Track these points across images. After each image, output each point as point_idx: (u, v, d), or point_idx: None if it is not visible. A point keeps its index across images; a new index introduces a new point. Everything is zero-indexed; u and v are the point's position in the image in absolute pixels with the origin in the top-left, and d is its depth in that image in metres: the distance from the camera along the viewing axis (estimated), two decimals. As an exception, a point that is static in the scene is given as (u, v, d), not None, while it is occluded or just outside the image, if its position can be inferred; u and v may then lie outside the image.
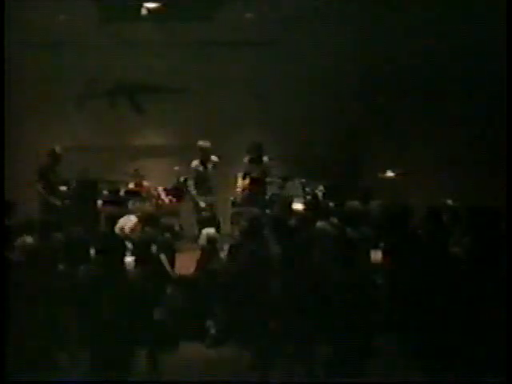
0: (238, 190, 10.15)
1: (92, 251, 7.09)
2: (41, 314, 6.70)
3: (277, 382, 6.73)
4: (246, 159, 10.07)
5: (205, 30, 11.82)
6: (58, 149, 10.01)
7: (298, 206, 10.18)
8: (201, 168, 10.14)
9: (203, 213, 9.85)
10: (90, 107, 12.25)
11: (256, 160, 9.97)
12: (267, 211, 9.47)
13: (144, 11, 11.44)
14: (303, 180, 10.97)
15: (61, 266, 6.98)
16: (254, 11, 11.80)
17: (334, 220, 8.24)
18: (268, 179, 10.15)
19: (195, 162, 10.13)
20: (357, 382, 6.77)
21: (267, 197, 10.23)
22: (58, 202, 9.61)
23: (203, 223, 9.09)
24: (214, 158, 10.20)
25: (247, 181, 9.99)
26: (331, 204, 9.83)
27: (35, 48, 11.68)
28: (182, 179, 10.52)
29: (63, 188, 9.97)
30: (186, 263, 8.49)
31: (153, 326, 7.28)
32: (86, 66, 11.79)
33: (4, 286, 6.55)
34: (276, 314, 7.15)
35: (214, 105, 12.02)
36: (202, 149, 10.09)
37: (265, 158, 10.01)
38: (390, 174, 11.54)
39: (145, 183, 10.65)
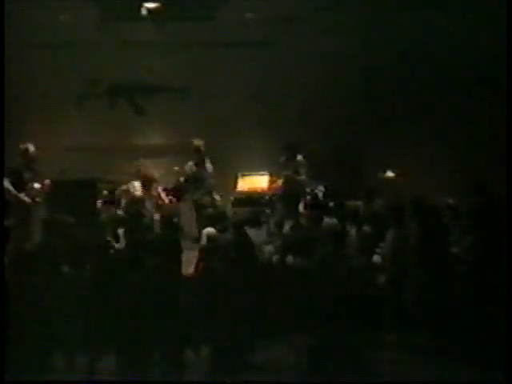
0: (239, 189, 10.15)
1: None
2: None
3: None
4: (281, 159, 10.14)
5: (205, 30, 11.82)
6: (31, 147, 9.57)
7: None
8: (195, 169, 10.17)
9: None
10: (90, 107, 12.24)
11: (290, 159, 10.06)
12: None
13: (144, 11, 11.46)
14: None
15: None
16: (254, 11, 11.80)
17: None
18: (302, 177, 10.11)
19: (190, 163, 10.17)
20: (357, 382, 6.76)
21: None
22: (28, 200, 9.25)
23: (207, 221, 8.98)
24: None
25: (280, 180, 10.09)
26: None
27: (35, 48, 11.68)
28: (182, 179, 10.51)
29: (37, 186, 9.63)
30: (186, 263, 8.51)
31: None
32: (85, 66, 11.78)
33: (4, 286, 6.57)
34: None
35: (213, 105, 12.01)
36: (197, 149, 10.12)
37: (299, 157, 10.08)
38: (389, 174, 11.54)
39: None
